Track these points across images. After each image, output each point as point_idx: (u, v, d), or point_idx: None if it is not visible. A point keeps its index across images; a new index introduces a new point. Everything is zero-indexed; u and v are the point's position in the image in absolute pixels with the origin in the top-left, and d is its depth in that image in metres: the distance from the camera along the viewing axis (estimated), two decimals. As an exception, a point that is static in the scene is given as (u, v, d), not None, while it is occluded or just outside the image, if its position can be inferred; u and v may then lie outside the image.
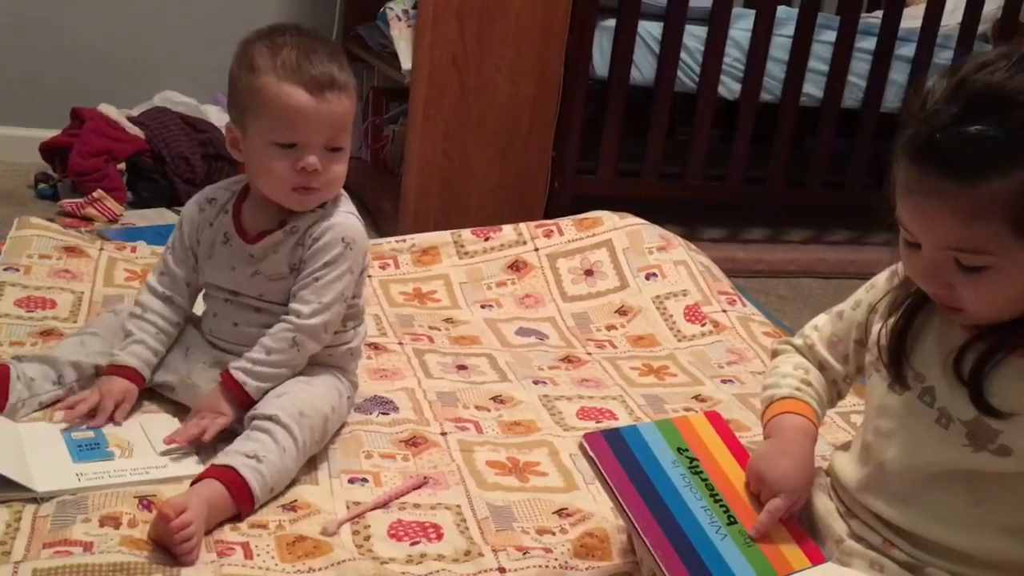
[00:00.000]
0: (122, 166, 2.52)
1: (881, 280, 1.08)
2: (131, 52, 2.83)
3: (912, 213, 0.89)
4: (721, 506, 1.03)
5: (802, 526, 1.06)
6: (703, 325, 1.90)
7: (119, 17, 2.82)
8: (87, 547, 1.03)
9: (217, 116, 2.79)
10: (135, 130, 2.59)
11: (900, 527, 0.99)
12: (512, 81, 2.47)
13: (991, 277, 0.88)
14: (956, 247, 0.87)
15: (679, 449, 1.07)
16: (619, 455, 1.03)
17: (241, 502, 1.13)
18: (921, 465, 0.98)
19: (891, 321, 1.01)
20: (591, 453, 1.02)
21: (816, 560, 1.02)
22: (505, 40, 2.44)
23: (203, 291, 1.41)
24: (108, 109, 2.64)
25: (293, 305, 1.31)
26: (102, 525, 1.08)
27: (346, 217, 1.35)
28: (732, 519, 1.02)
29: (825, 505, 1.07)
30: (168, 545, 1.04)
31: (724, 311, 1.94)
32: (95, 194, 2.37)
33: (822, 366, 1.14)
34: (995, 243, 0.86)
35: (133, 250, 1.98)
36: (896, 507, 0.99)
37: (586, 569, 1.12)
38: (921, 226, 0.89)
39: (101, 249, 1.91)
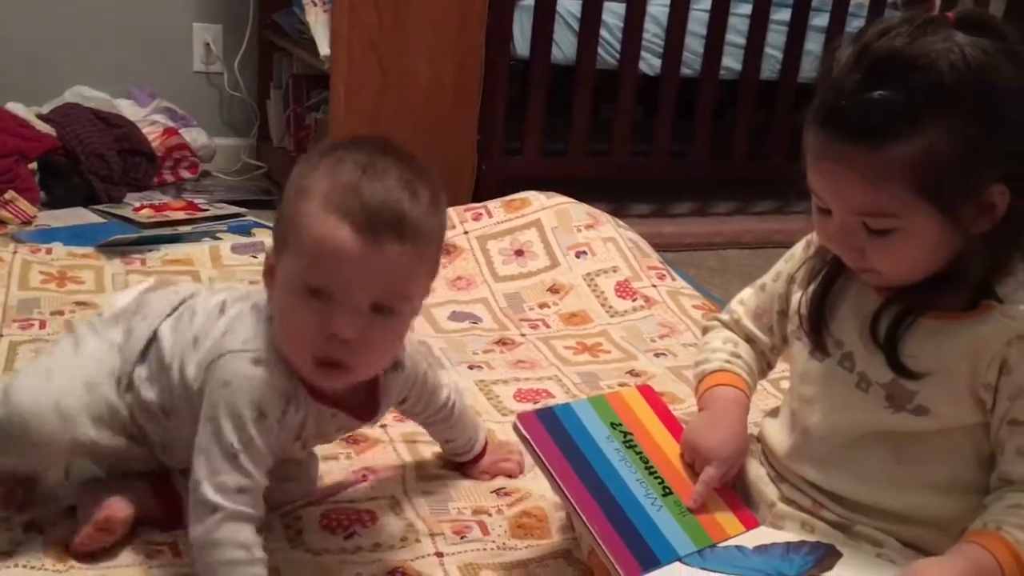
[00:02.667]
0: (33, 165, 2.43)
1: (798, 250, 1.10)
2: (39, 48, 2.73)
3: (821, 179, 0.91)
4: (656, 478, 1.04)
5: (737, 493, 1.07)
6: (634, 300, 1.91)
7: (24, 12, 2.72)
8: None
9: (131, 110, 2.72)
10: (46, 128, 2.50)
11: (827, 490, 1.01)
12: (433, 64, 2.45)
13: (899, 239, 0.90)
14: (863, 211, 0.89)
15: (612, 424, 1.08)
16: (553, 433, 1.03)
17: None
18: (844, 429, 1.00)
19: (810, 289, 1.03)
20: (524, 433, 1.02)
21: (750, 526, 1.03)
22: (424, 23, 2.41)
23: None
24: (16, 107, 2.55)
25: None
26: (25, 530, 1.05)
27: None
28: (667, 490, 1.03)
29: (756, 471, 1.09)
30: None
31: (654, 286, 1.96)
32: (7, 195, 2.28)
33: (749, 338, 1.16)
34: (900, 206, 0.88)
35: (48, 251, 1.92)
36: (822, 471, 1.02)
37: (524, 548, 1.12)
38: (829, 191, 0.91)
39: (15, 252, 1.86)
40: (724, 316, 1.19)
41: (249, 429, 0.93)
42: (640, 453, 1.06)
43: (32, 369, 1.11)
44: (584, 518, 0.97)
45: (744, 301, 1.17)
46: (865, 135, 0.86)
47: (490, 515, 1.19)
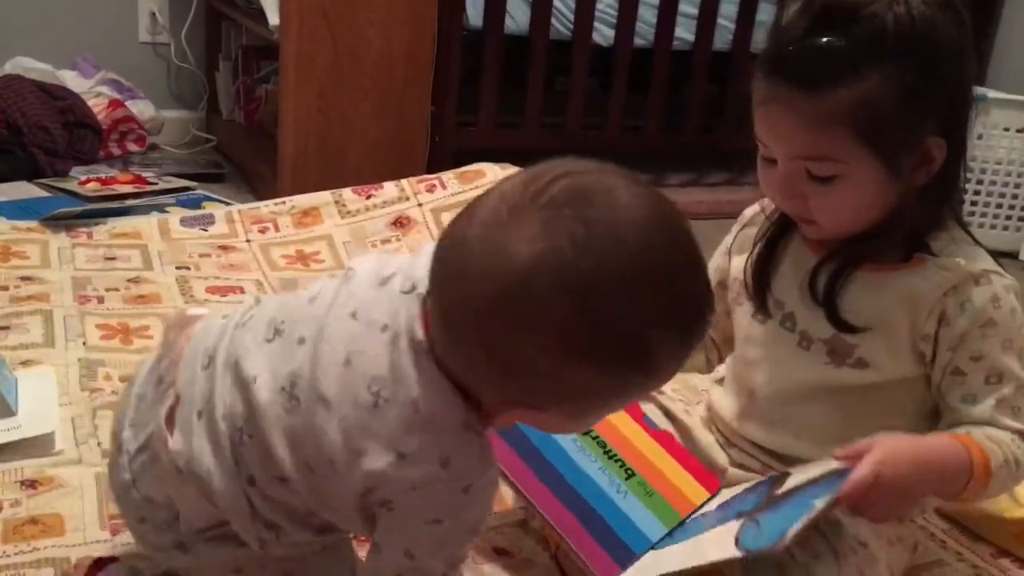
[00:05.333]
0: (-26, 139, 2.37)
1: (735, 226, 1.13)
2: (-25, 17, 2.66)
3: (766, 124, 0.93)
4: (617, 462, 1.04)
5: (694, 456, 1.08)
6: (589, 271, 1.92)
7: (-41, -21, 2.64)
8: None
9: (75, 82, 2.66)
10: (-14, 100, 2.44)
11: (775, 450, 1.04)
12: (385, 34, 2.42)
13: (841, 186, 0.91)
14: (806, 156, 0.91)
15: None
16: (506, 436, 1.01)
17: None
18: (789, 388, 1.02)
19: (755, 251, 1.05)
20: None
21: (712, 487, 1.05)
22: (376, -8, 2.38)
23: None
24: (-46, 79, 2.48)
25: None
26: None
27: None
28: (630, 472, 1.03)
29: (706, 438, 1.11)
30: None
31: (609, 256, 1.96)
32: (-53, 170, 2.23)
33: None
34: (843, 151, 0.89)
35: (-8, 227, 1.87)
36: (769, 431, 1.04)
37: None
38: (774, 136, 0.93)
39: (-44, 227, 1.81)
40: None
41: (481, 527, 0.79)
42: (597, 438, 1.05)
43: None
44: (553, 524, 0.97)
45: None
46: (807, 80, 0.88)
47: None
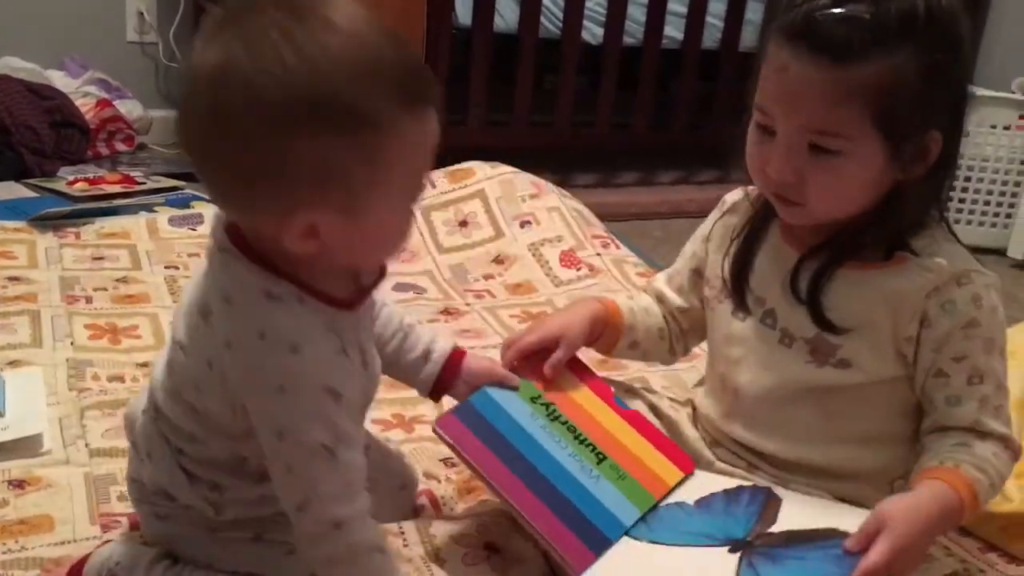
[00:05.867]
0: (-39, 139, 2.36)
1: (714, 212, 1.12)
2: (-38, 16, 2.65)
3: (779, 91, 0.90)
4: (588, 446, 1.03)
5: (665, 435, 1.07)
6: (579, 269, 1.92)
7: (-55, -22, 2.63)
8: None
9: (63, 82, 2.65)
10: (-27, 100, 2.43)
11: (759, 450, 1.03)
12: (374, 33, 2.42)
13: (841, 164, 0.90)
14: (817, 128, 0.89)
15: (533, 399, 1.05)
16: (475, 430, 1.00)
17: None
18: (771, 387, 1.01)
19: (733, 247, 1.04)
20: (446, 438, 0.99)
21: (685, 467, 1.04)
22: (364, -9, 2.38)
23: None
24: (-59, 78, 2.47)
25: None
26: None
27: None
28: (601, 456, 1.02)
29: (693, 434, 1.11)
30: None
31: (598, 254, 1.96)
32: (-67, 170, 2.22)
33: (659, 298, 1.16)
34: (854, 128, 0.88)
35: (-21, 227, 1.86)
36: (754, 431, 1.03)
37: (475, 503, 1.12)
38: (786, 104, 0.90)
39: (-57, 228, 1.80)
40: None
41: (333, 415, 0.81)
42: (567, 423, 1.04)
43: None
44: (526, 516, 0.96)
45: (667, 269, 1.18)
46: (835, 49, 0.86)
47: (439, 481, 1.19)
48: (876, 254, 0.95)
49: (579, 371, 1.10)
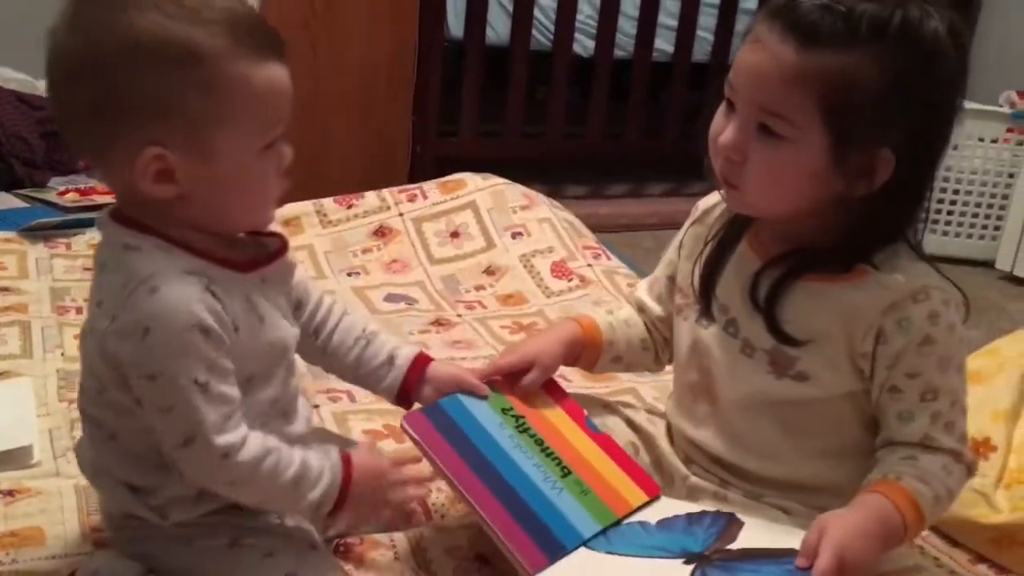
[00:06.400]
0: (-48, 149, 2.36)
1: (688, 218, 1.12)
2: (-47, 26, 2.64)
3: (745, 65, 0.92)
4: (553, 459, 1.02)
5: (635, 461, 1.07)
6: (570, 280, 1.92)
7: (-64, -11, 2.62)
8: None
9: (54, 92, 2.64)
10: (-37, 110, 2.42)
11: (729, 462, 1.03)
12: (366, 44, 2.43)
13: (784, 150, 0.91)
14: (768, 107, 0.90)
15: (504, 410, 1.05)
16: (442, 430, 1.00)
17: None
18: (735, 398, 1.01)
19: (704, 253, 1.04)
20: (412, 434, 1.00)
21: (652, 492, 1.03)
22: (357, 4, 2.39)
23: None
24: (-69, 88, 2.46)
25: None
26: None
27: None
28: (566, 471, 1.02)
29: (669, 448, 1.10)
30: None
31: (589, 265, 1.97)
32: (-77, 180, 2.21)
33: (640, 307, 1.17)
34: (801, 115, 0.89)
35: (-31, 237, 1.86)
36: (721, 441, 1.03)
37: (457, 515, 1.12)
38: (747, 77, 0.92)
39: (-66, 238, 1.79)
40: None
41: (203, 351, 0.84)
42: (534, 436, 1.04)
43: None
44: (483, 514, 0.95)
45: (648, 277, 1.19)
46: (802, 32, 0.88)
47: (431, 491, 1.18)
48: (836, 268, 0.95)
49: (554, 392, 1.11)
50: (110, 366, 0.86)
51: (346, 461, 0.95)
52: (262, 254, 0.94)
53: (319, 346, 1.05)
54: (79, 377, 0.94)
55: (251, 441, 0.87)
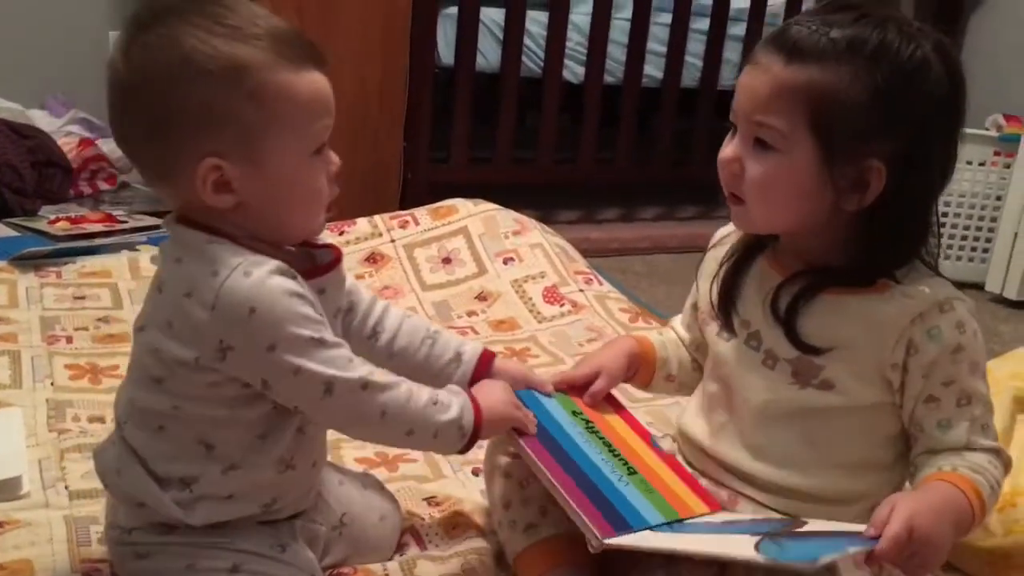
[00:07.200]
0: (-58, 178, 2.35)
1: (708, 247, 1.15)
2: (-56, 56, 2.65)
3: (742, 83, 0.98)
4: (620, 459, 1.06)
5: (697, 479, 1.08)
6: (562, 306, 1.92)
7: (-72, 19, 2.63)
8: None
9: (45, 121, 2.65)
10: (-46, 139, 2.42)
11: (746, 473, 1.03)
12: (358, 72, 2.44)
13: (775, 161, 0.94)
14: (760, 120, 0.94)
15: (574, 412, 1.10)
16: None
17: None
18: (756, 408, 1.02)
19: (723, 271, 1.06)
20: None
21: (714, 507, 1.04)
22: (349, 31, 2.40)
23: None
24: (-78, 118, 2.46)
25: None
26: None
27: None
28: (632, 469, 1.05)
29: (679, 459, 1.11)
30: None
31: (581, 290, 1.97)
32: (-87, 209, 2.21)
33: (679, 338, 1.20)
34: (791, 127, 0.93)
35: (-41, 267, 1.85)
36: (740, 451, 1.03)
37: (462, 542, 1.11)
38: (743, 94, 0.97)
39: (-77, 268, 1.78)
40: None
41: (305, 312, 0.88)
42: (603, 438, 1.07)
43: None
44: (555, 483, 0.98)
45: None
46: (789, 48, 0.93)
47: (423, 519, 1.18)
48: (857, 282, 0.97)
49: (619, 408, 1.15)
50: (208, 350, 0.88)
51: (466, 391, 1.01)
52: (319, 264, 0.98)
53: (381, 347, 1.08)
54: (128, 372, 0.96)
55: (378, 371, 0.94)
